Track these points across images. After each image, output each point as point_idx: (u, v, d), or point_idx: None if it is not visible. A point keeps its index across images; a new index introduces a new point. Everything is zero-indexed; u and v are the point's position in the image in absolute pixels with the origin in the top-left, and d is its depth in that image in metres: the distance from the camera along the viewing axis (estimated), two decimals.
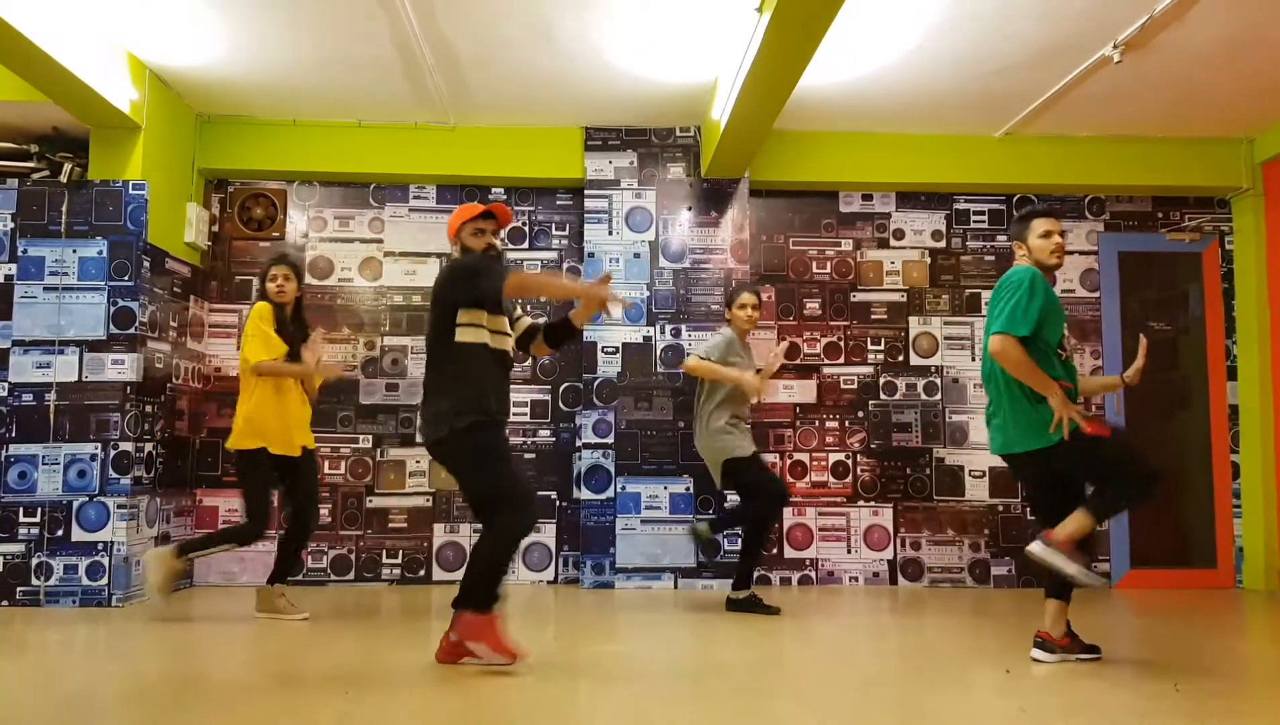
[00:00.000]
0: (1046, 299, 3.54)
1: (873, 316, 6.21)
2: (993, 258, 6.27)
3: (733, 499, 5.48)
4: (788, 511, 6.01)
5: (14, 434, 5.02)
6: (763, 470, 4.94)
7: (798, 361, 6.12)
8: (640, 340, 5.87)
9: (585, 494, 5.78)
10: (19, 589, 4.94)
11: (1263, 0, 4.39)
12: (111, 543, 4.96)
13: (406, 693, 3.14)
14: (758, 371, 4.96)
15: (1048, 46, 4.87)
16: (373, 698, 3.05)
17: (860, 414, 6.14)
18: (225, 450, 5.84)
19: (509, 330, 3.74)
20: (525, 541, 3.65)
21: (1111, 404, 6.13)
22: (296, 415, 4.60)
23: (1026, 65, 5.09)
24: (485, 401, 3.51)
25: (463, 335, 3.54)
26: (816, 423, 6.10)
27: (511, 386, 3.79)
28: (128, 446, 5.03)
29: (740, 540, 4.96)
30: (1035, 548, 3.47)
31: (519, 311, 3.92)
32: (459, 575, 5.83)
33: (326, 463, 5.90)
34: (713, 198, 6.00)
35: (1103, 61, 4.94)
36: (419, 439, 3.73)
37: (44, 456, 5.01)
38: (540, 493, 5.92)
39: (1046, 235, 3.67)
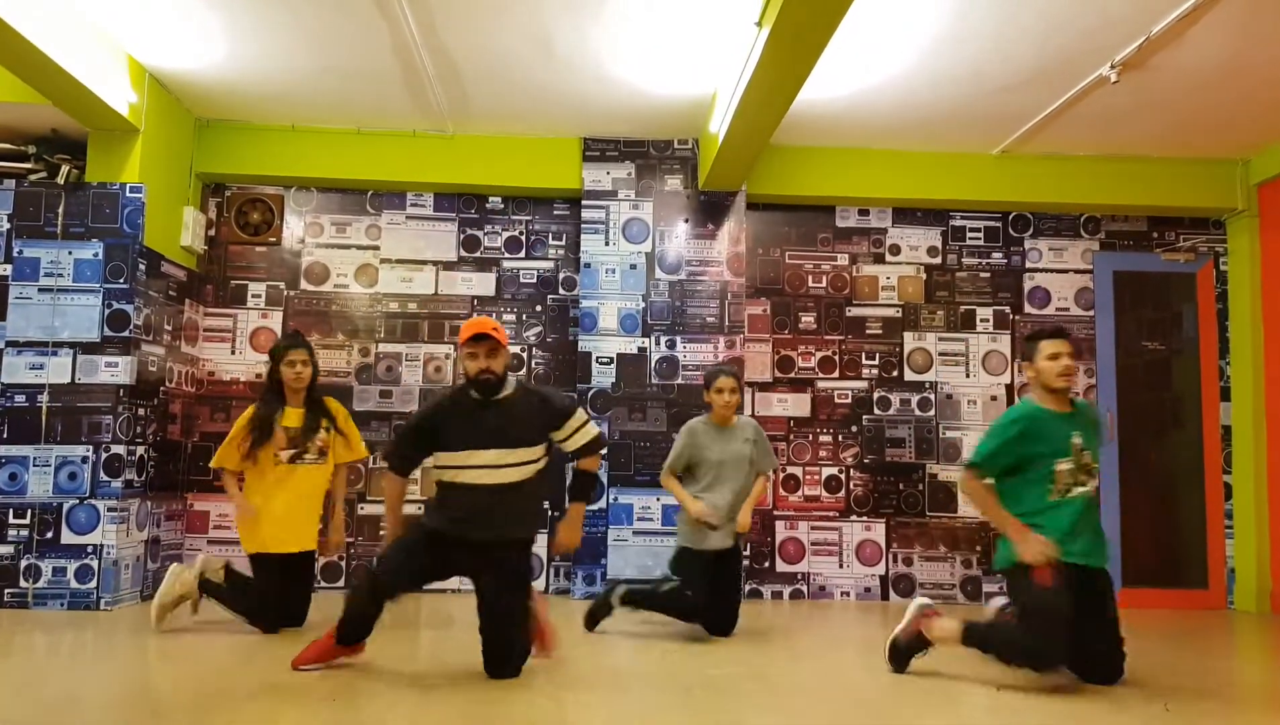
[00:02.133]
0: (1013, 437, 3.60)
1: (868, 331, 6.22)
2: (988, 275, 6.29)
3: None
4: (780, 525, 6.01)
5: (5, 435, 5.00)
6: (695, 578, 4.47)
7: (792, 375, 6.13)
8: (635, 351, 5.87)
9: None
10: (7, 591, 4.91)
11: (1259, 23, 4.42)
12: (101, 546, 4.93)
13: (394, 702, 3.12)
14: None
15: (1045, 66, 4.89)
16: (360, 706, 3.03)
17: (854, 429, 6.14)
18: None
19: (509, 462, 3.58)
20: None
21: (1105, 424, 6.13)
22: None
23: (1024, 84, 5.11)
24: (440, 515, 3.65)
25: (439, 475, 3.68)
26: (810, 437, 6.10)
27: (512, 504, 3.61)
28: (119, 449, 5.01)
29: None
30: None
31: (570, 431, 3.66)
32: (449, 584, 5.82)
33: None
34: (710, 210, 6.01)
35: (1100, 81, 4.97)
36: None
37: (35, 458, 4.99)
38: None
39: (1054, 357, 3.64)
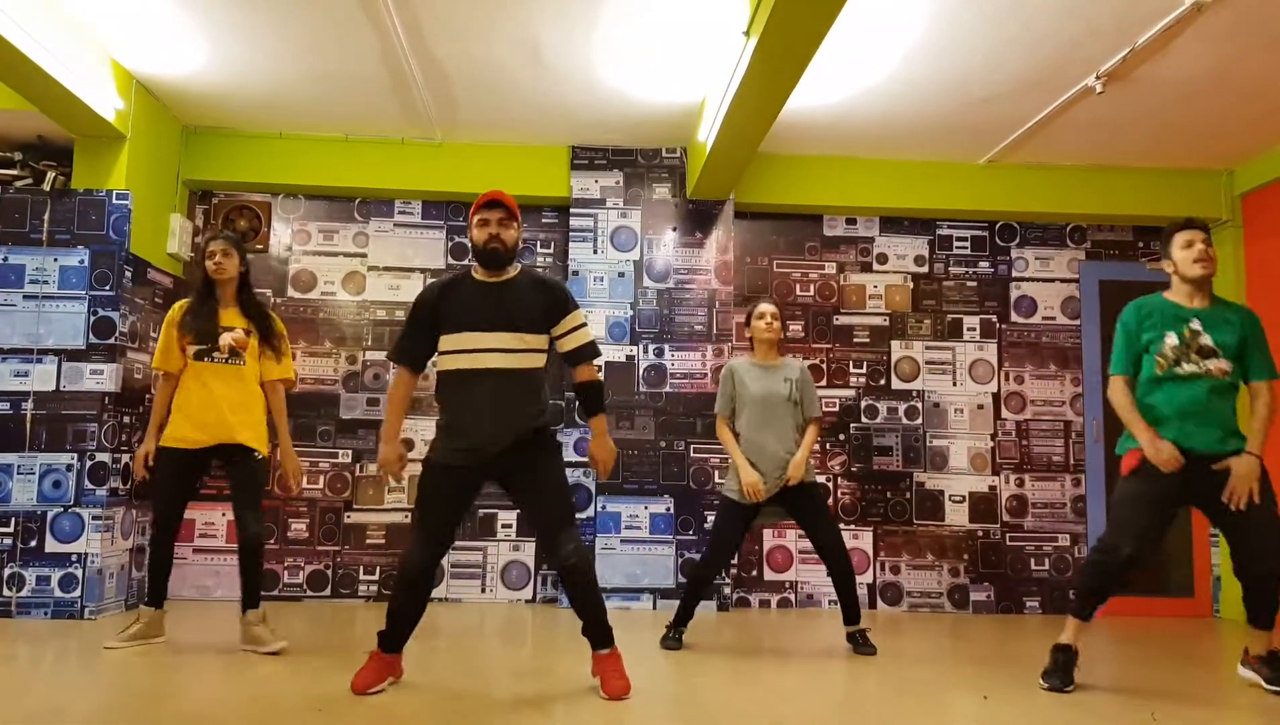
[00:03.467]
0: (1133, 327, 3.77)
1: (855, 340, 6.24)
2: (975, 284, 6.32)
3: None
4: (768, 533, 6.01)
5: None
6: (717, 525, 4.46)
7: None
8: (623, 359, 5.87)
9: None
10: None
11: (1243, 35, 4.46)
12: (85, 554, 4.90)
13: (381, 711, 3.11)
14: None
15: (1031, 76, 4.93)
16: (347, 716, 3.02)
17: (841, 437, 6.15)
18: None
19: (515, 346, 3.40)
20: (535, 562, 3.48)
21: (1091, 431, 6.17)
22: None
23: (1010, 94, 5.15)
24: (449, 434, 3.43)
25: (440, 362, 3.47)
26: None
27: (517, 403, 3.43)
28: (104, 457, 4.98)
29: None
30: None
31: (568, 327, 3.53)
32: (435, 593, 5.81)
33: (305, 477, 5.86)
34: (698, 219, 6.02)
35: (1085, 92, 5.00)
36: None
37: (19, 466, 4.96)
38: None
39: (1188, 245, 3.73)
